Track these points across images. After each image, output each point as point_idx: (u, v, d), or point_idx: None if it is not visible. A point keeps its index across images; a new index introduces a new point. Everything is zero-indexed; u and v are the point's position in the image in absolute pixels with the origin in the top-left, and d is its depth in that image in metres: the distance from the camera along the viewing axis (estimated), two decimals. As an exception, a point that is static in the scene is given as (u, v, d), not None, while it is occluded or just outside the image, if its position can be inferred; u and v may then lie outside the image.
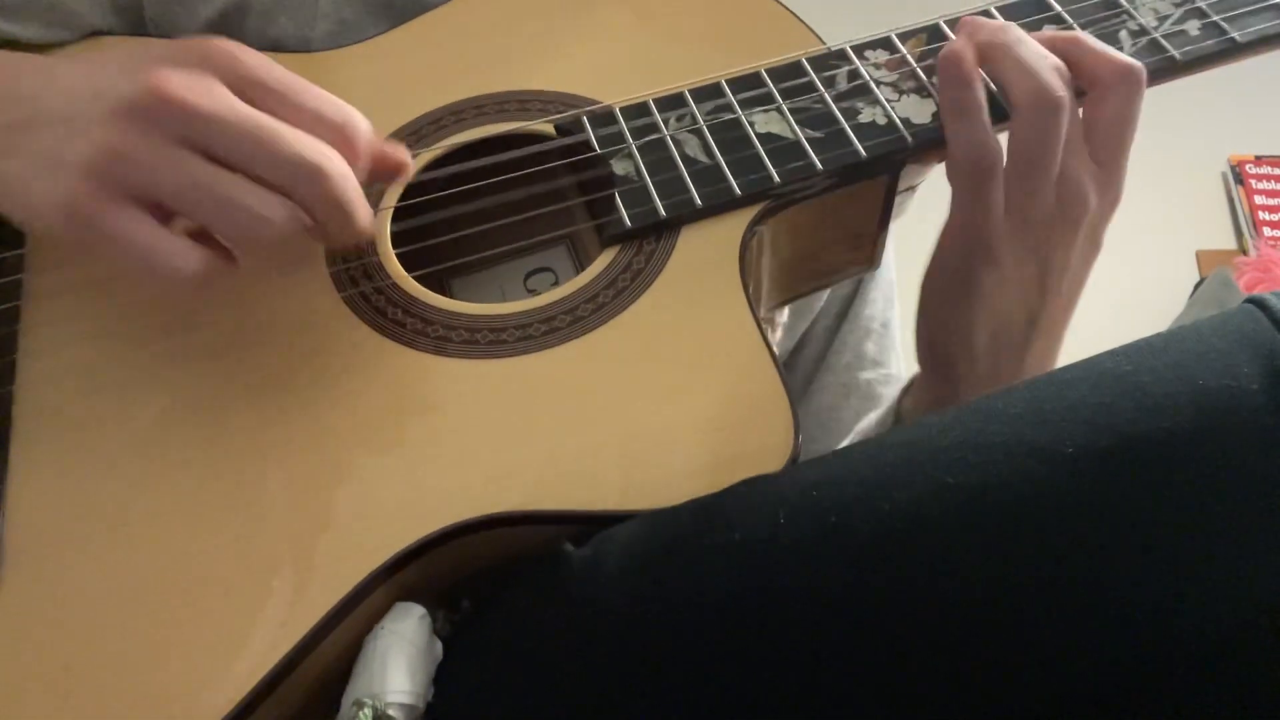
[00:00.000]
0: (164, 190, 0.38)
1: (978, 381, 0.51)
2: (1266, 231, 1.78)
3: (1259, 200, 1.81)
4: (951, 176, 0.47)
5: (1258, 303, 0.36)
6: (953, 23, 0.52)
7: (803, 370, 0.70)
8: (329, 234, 0.40)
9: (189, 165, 0.37)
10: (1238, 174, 1.83)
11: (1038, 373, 0.52)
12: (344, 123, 0.40)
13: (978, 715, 0.32)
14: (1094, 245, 0.49)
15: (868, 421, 0.67)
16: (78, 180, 0.37)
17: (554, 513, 0.40)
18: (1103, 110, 0.46)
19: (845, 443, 0.66)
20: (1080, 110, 0.47)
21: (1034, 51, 0.47)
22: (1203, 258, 1.77)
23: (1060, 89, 0.45)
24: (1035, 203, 0.46)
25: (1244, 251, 1.76)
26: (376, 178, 0.44)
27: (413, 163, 0.45)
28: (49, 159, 0.38)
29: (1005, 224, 0.46)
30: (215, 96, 0.38)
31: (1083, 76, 0.47)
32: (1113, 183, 0.47)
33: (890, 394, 0.69)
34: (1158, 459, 0.33)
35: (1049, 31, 0.50)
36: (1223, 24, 0.51)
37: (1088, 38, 0.48)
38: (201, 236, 0.39)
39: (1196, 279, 1.76)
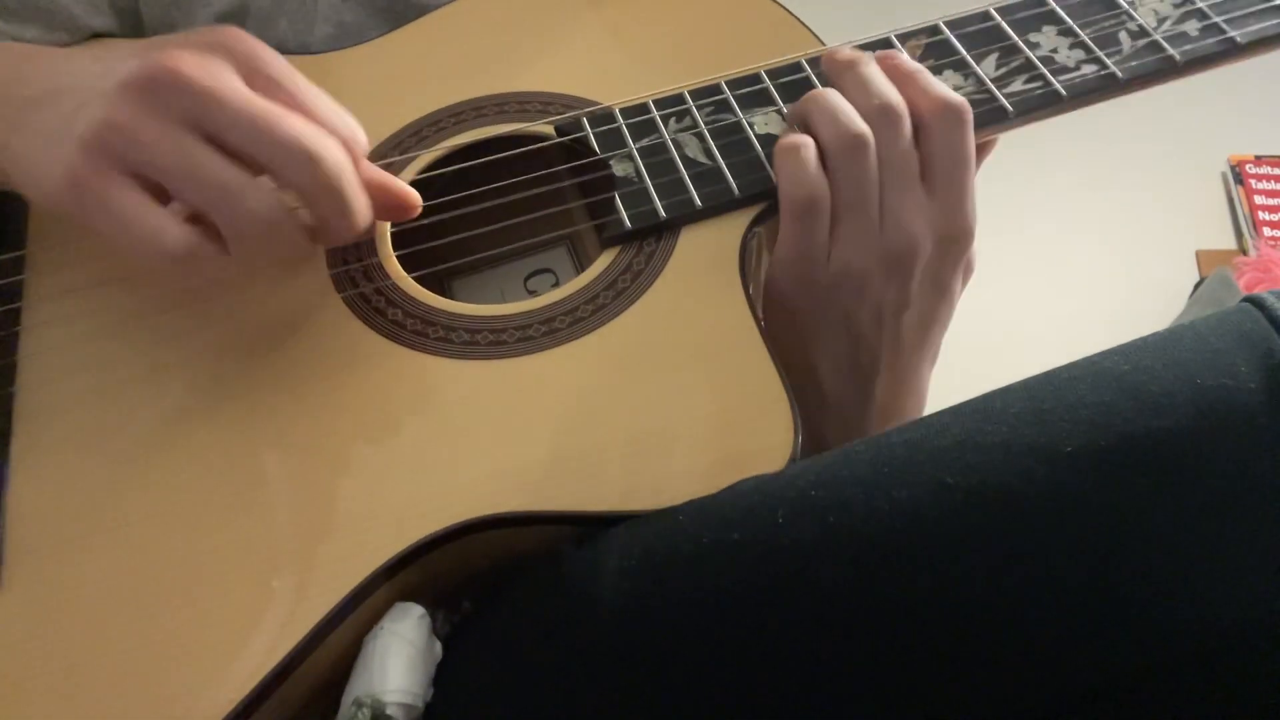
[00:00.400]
0: (160, 168, 0.38)
1: (831, 416, 0.49)
2: (1266, 231, 1.77)
3: (1259, 200, 1.80)
4: (782, 212, 0.46)
5: (1255, 302, 0.36)
6: (952, 23, 0.52)
7: None
8: (327, 228, 0.40)
9: (186, 146, 0.37)
10: (1238, 174, 1.83)
11: (895, 412, 0.51)
12: (338, 130, 0.40)
13: (978, 715, 0.32)
14: (938, 288, 0.47)
15: None
16: (77, 152, 0.37)
17: (555, 513, 0.40)
18: (930, 146, 0.45)
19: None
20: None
21: (843, 94, 0.46)
22: (1203, 258, 1.77)
23: (858, 125, 0.44)
24: (856, 244, 0.45)
25: (1244, 251, 1.76)
26: (384, 212, 0.44)
27: (422, 206, 0.45)
28: (55, 132, 0.38)
29: (829, 265, 0.45)
30: (220, 78, 0.38)
31: (912, 111, 0.45)
32: (949, 222, 0.45)
33: None
34: (1156, 458, 0.33)
35: (900, 61, 0.47)
36: (1223, 24, 0.51)
37: (920, 73, 0.46)
38: (199, 222, 0.39)
39: (1196, 279, 1.75)
